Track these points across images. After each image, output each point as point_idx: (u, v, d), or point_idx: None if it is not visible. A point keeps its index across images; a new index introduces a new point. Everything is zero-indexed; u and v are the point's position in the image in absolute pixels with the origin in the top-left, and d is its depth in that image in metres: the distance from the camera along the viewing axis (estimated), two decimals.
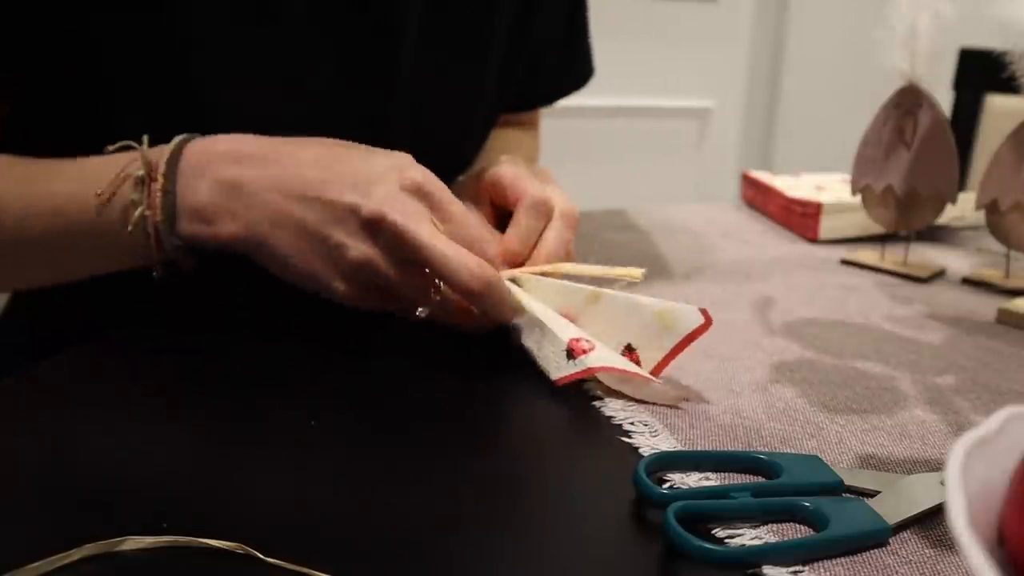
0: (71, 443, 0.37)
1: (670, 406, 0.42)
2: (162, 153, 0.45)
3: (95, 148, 0.49)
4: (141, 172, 0.45)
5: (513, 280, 0.48)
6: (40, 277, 0.54)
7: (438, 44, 0.62)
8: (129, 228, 0.45)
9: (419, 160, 0.58)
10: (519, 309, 0.46)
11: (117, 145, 0.46)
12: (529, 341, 0.46)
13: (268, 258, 0.45)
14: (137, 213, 0.44)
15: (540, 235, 0.50)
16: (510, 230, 0.50)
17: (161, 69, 0.52)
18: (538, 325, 0.45)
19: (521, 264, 0.50)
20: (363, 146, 0.46)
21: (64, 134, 0.53)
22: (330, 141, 0.47)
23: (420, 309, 0.46)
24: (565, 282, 0.48)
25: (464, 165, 0.64)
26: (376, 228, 0.42)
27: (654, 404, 0.42)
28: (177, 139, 0.46)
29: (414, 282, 0.44)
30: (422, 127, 0.63)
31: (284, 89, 0.55)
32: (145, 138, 0.47)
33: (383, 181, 0.42)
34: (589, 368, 0.42)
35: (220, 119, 0.52)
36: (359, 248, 0.42)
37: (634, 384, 0.43)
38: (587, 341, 0.44)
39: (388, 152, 0.45)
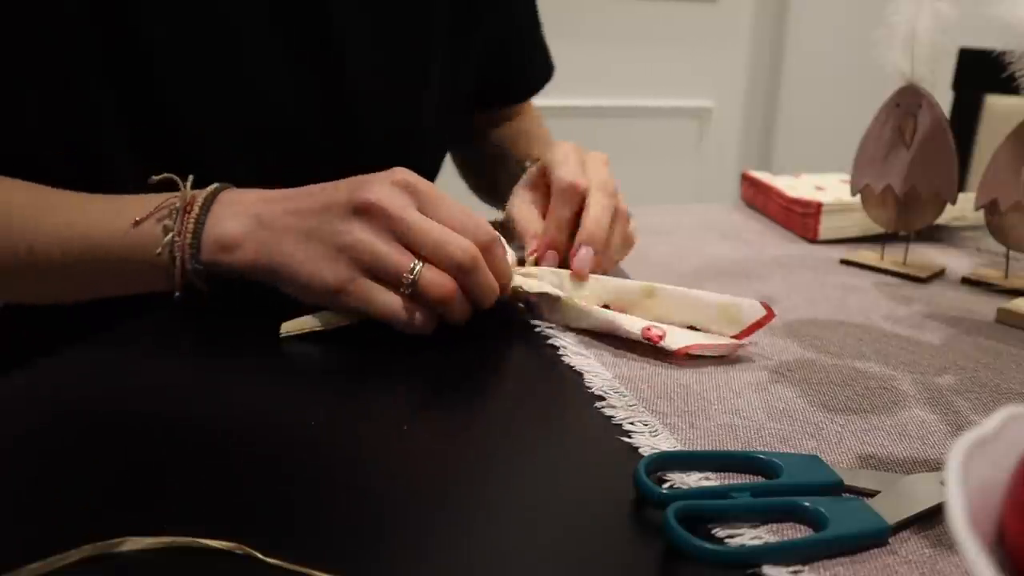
0: (70, 443, 0.37)
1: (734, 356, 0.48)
2: (203, 191, 0.50)
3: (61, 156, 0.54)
4: (178, 204, 0.49)
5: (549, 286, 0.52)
6: (59, 295, 0.56)
7: (379, 41, 0.65)
8: (158, 251, 0.48)
9: (371, 151, 0.63)
10: (496, 292, 0.49)
11: (161, 177, 0.50)
12: (601, 327, 0.50)
13: (280, 273, 0.47)
14: (167, 238, 0.48)
15: (578, 216, 0.55)
16: (546, 220, 0.56)
17: (128, 74, 0.55)
18: (608, 322, 0.49)
19: (565, 249, 0.55)
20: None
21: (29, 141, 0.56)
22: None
23: (402, 286, 0.46)
24: (619, 279, 0.52)
25: (416, 156, 0.66)
26: (366, 212, 0.45)
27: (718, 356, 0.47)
28: (215, 185, 0.51)
29: (395, 257, 0.46)
30: (371, 117, 0.66)
31: (237, 84, 0.59)
32: (191, 178, 0.50)
33: (375, 179, 0.47)
34: (675, 351, 0.46)
35: (182, 117, 0.57)
36: (354, 229, 0.45)
37: (706, 349, 0.47)
38: (657, 328, 0.48)
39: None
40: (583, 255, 0.53)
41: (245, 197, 0.50)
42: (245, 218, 0.48)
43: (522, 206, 0.59)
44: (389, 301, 0.46)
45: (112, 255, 0.50)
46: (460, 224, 0.47)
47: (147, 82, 0.56)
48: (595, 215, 0.54)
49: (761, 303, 0.48)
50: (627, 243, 0.60)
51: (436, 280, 0.46)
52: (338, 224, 0.46)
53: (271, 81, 0.61)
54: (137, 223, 0.49)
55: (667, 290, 0.51)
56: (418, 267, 0.46)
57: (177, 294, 0.50)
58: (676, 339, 0.47)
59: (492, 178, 0.84)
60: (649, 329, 0.47)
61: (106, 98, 0.55)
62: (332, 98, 0.64)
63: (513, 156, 0.79)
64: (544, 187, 0.58)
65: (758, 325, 0.48)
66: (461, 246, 0.46)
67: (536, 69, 0.86)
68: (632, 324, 0.48)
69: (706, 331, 0.49)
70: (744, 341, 0.48)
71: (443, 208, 0.47)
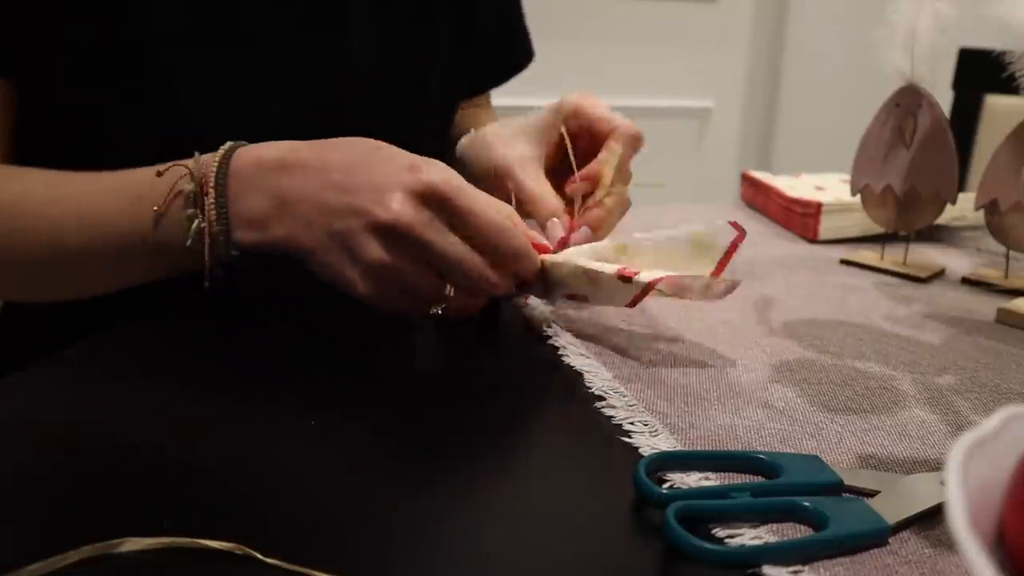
0: (69, 444, 0.37)
1: (725, 294, 0.47)
2: (208, 166, 0.47)
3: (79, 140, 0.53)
4: (191, 187, 0.47)
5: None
6: (71, 290, 0.54)
7: (384, 42, 0.65)
8: (188, 242, 0.47)
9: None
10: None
11: (167, 166, 0.48)
12: (583, 289, 0.49)
13: (308, 259, 0.47)
14: (194, 226, 0.47)
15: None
16: (598, 166, 0.58)
17: (137, 68, 0.54)
18: (584, 274, 0.48)
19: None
20: (388, 147, 0.48)
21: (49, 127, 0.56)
22: (360, 142, 0.48)
23: (433, 308, 0.47)
24: (588, 244, 0.51)
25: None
26: (389, 233, 0.44)
27: (712, 299, 0.47)
28: (223, 149, 0.48)
29: (426, 280, 0.45)
30: (376, 119, 0.65)
31: (250, 79, 0.59)
32: (197, 155, 0.48)
33: (398, 187, 0.44)
34: (648, 284, 0.45)
35: (191, 107, 0.56)
36: (375, 250, 0.44)
37: (691, 289, 0.47)
38: (631, 268, 0.47)
39: (408, 155, 0.47)
40: (580, 237, 0.53)
41: (262, 162, 0.47)
42: (268, 194, 0.46)
43: (537, 181, 0.56)
44: (419, 311, 0.47)
45: (137, 246, 0.49)
46: (492, 236, 0.45)
47: (158, 72, 0.55)
48: (616, 204, 0.56)
49: (730, 222, 0.48)
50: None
51: (465, 306, 0.47)
52: (361, 238, 0.44)
53: (281, 71, 0.60)
54: (157, 211, 0.47)
55: (639, 241, 0.51)
56: (449, 293, 0.46)
57: (207, 284, 0.48)
58: (650, 274, 0.46)
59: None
60: (624, 269, 0.47)
61: (113, 90, 0.55)
62: (338, 97, 0.63)
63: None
64: (557, 134, 0.58)
65: (732, 250, 0.48)
66: (489, 280, 0.45)
67: (503, 58, 0.84)
68: (605, 267, 0.47)
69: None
70: (720, 279, 0.47)
71: (471, 218, 0.44)
